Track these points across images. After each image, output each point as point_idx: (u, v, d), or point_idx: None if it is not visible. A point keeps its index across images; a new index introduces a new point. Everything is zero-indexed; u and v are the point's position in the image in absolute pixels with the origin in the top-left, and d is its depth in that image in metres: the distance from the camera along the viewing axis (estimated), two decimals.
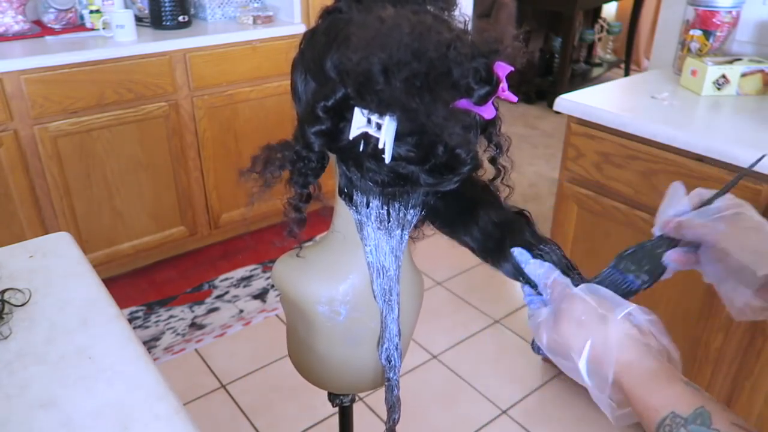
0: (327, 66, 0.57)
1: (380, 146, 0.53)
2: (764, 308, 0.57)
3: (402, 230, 0.66)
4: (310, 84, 0.62)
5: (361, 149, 0.56)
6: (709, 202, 0.61)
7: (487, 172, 0.65)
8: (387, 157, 0.54)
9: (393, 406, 0.81)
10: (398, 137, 0.53)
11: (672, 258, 0.61)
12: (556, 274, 0.59)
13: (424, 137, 0.53)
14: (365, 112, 0.53)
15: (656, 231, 0.63)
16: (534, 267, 0.61)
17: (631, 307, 0.54)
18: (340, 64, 0.54)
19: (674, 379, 0.48)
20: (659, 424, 0.46)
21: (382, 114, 0.52)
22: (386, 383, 0.79)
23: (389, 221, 0.65)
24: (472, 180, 0.64)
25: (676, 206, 0.62)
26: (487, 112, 0.54)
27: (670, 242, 0.62)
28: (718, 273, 0.60)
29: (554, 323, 0.56)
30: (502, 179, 0.67)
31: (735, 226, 0.58)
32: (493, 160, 0.65)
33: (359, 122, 0.54)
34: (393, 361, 0.76)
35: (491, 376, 1.99)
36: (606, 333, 0.51)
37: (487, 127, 0.62)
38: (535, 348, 0.61)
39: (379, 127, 0.53)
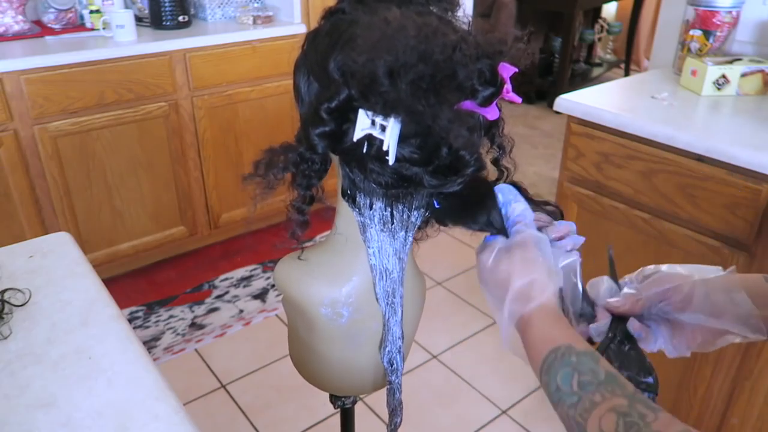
0: (330, 67, 0.57)
1: (384, 148, 0.53)
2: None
3: (406, 232, 0.66)
4: (313, 85, 0.61)
5: (364, 151, 0.56)
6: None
7: (491, 173, 0.65)
8: (391, 159, 0.54)
9: (395, 410, 0.81)
10: (402, 139, 0.53)
11: (637, 327, 0.67)
12: (531, 216, 0.62)
13: (429, 139, 0.53)
14: (369, 113, 0.53)
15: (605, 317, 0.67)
16: (517, 206, 0.62)
17: (566, 261, 0.62)
18: (344, 66, 0.54)
19: (574, 329, 0.56)
20: (553, 350, 0.52)
21: (386, 116, 0.52)
22: (388, 386, 0.78)
23: (393, 223, 0.64)
24: (477, 181, 0.64)
25: (604, 290, 0.70)
26: (491, 113, 0.54)
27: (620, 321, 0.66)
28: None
29: (505, 253, 0.59)
30: (505, 180, 0.67)
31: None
32: (496, 162, 0.65)
33: (363, 124, 0.54)
34: (395, 364, 0.75)
35: (491, 376, 1.99)
36: (548, 281, 0.57)
37: (490, 129, 0.62)
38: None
39: (383, 128, 0.53)
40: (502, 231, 0.62)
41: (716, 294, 0.63)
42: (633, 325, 0.66)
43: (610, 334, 0.65)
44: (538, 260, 0.57)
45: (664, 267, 0.69)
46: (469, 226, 0.63)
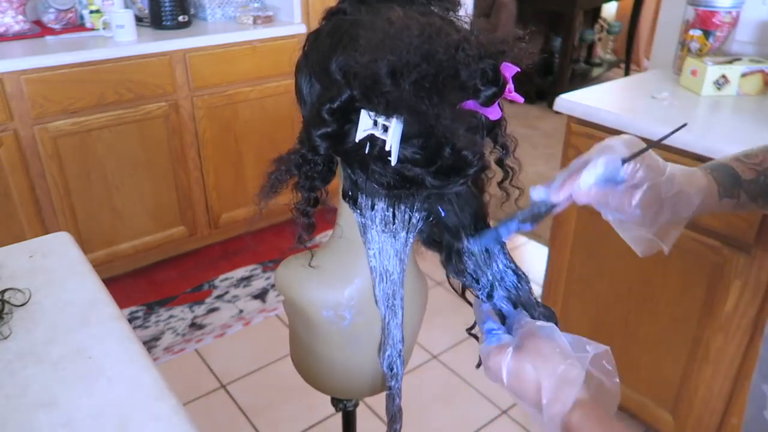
0: (332, 68, 0.57)
1: (387, 149, 0.53)
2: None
3: (407, 233, 0.65)
4: (315, 86, 0.61)
5: (366, 151, 0.56)
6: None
7: (496, 174, 0.65)
8: (393, 160, 0.53)
9: (394, 417, 0.80)
10: (404, 139, 0.53)
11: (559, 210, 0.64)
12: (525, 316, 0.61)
13: (431, 139, 0.53)
14: (372, 114, 0.53)
15: (553, 196, 0.61)
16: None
17: (590, 354, 0.56)
18: (346, 66, 0.54)
19: (615, 422, 0.53)
20: None
21: (389, 116, 0.52)
22: (387, 392, 0.77)
23: (394, 224, 0.64)
24: (474, 193, 0.64)
25: (593, 171, 0.60)
26: (494, 113, 0.54)
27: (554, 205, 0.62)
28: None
29: (517, 357, 0.56)
30: (511, 181, 0.67)
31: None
32: (500, 162, 0.65)
33: (366, 124, 0.53)
34: (395, 369, 0.74)
35: None
36: (569, 372, 0.54)
37: (493, 128, 0.62)
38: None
39: (385, 129, 0.52)
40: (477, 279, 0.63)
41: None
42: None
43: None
44: (554, 353, 0.55)
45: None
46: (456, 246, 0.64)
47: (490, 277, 0.64)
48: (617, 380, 0.57)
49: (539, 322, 0.58)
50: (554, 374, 0.53)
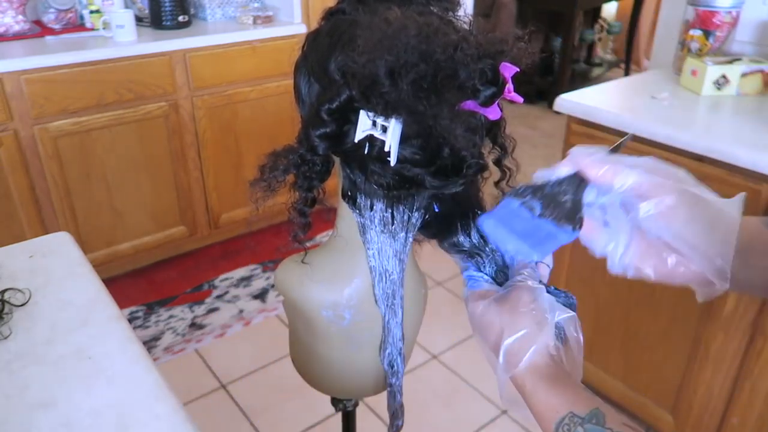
0: (331, 68, 0.57)
1: (386, 149, 0.53)
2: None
3: (406, 233, 0.65)
4: (314, 86, 0.61)
5: (366, 152, 0.56)
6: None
7: (493, 174, 0.65)
8: (392, 160, 0.53)
9: (396, 413, 0.80)
10: (403, 140, 0.53)
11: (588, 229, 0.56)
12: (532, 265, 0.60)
13: (430, 139, 0.53)
14: (370, 114, 0.53)
15: (564, 170, 0.54)
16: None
17: (563, 316, 0.55)
18: (345, 66, 0.53)
19: (572, 383, 0.52)
20: (558, 423, 0.49)
21: (388, 117, 0.51)
22: (389, 389, 0.78)
23: (393, 224, 0.64)
24: (468, 191, 0.65)
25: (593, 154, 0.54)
26: (493, 113, 0.54)
27: (578, 186, 0.54)
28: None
29: (497, 303, 0.57)
30: (508, 181, 0.67)
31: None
32: (498, 162, 0.65)
33: (364, 125, 0.53)
34: (396, 367, 0.75)
35: (491, 376, 1.98)
36: (538, 334, 0.54)
37: (492, 129, 0.62)
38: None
39: (384, 129, 0.52)
40: (472, 255, 0.63)
41: (701, 219, 0.53)
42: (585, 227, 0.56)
43: (559, 183, 0.55)
44: (529, 312, 0.54)
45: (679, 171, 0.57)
46: (445, 239, 0.64)
47: (484, 257, 0.64)
48: (581, 342, 0.56)
49: (530, 282, 0.57)
50: (516, 333, 0.53)
